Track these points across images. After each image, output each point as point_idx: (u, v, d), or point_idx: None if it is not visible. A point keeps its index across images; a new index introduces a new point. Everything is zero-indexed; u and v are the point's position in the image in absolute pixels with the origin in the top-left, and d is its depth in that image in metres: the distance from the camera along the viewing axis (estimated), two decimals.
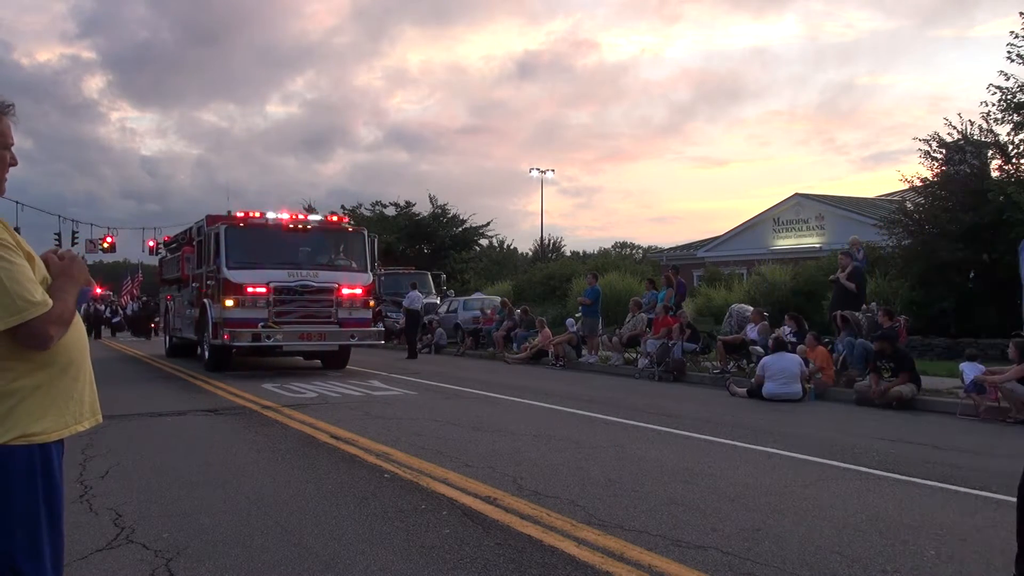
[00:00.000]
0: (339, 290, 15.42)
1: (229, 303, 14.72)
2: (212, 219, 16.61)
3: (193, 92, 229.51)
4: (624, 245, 74.81)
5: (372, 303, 16.58)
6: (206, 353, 16.02)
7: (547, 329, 18.91)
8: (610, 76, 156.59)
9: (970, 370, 10.41)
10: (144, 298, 38.12)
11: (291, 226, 16.02)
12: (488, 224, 47.39)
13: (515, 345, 20.00)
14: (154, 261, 38.76)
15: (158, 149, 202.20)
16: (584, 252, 62.78)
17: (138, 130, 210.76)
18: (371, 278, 16.44)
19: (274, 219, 15.99)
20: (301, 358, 17.54)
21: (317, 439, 8.08)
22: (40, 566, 2.31)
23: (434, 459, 6.96)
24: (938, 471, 6.72)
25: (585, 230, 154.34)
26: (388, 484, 6.08)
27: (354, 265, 16.26)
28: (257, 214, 15.95)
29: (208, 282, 15.92)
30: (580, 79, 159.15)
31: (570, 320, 19.39)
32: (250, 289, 14.78)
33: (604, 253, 57.60)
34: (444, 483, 6.04)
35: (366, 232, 16.94)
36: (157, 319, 31.97)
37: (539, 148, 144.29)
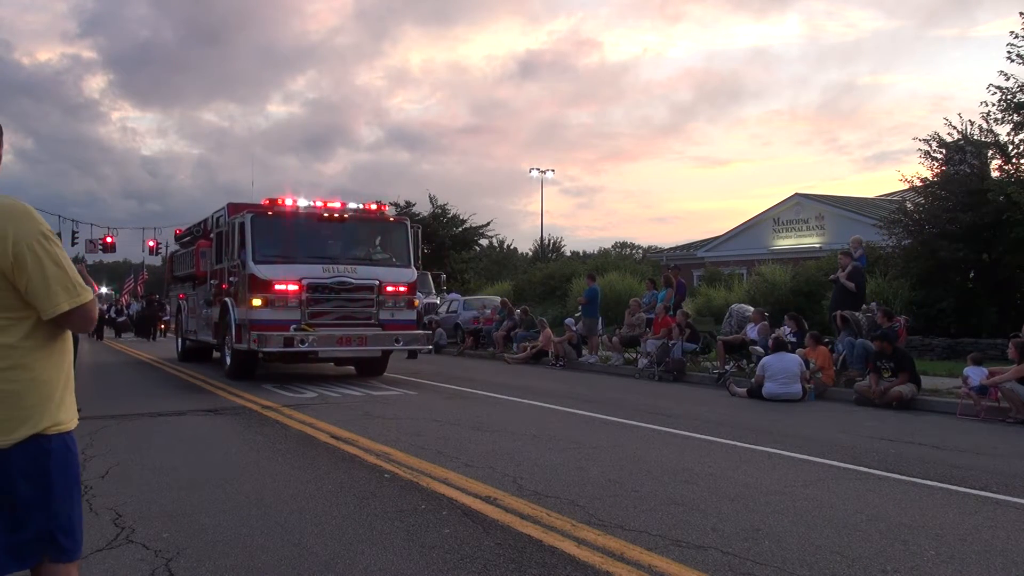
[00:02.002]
0: (382, 288, 13.80)
1: (256, 302, 13.09)
2: (235, 207, 14.87)
3: (194, 92, 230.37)
4: (624, 245, 75.07)
5: (416, 302, 15.15)
6: (227, 358, 14.56)
7: (548, 329, 18.92)
8: (611, 76, 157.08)
9: (975, 374, 10.13)
10: (149, 296, 37.23)
11: (326, 215, 14.17)
12: (488, 224, 47.36)
13: (515, 345, 20.00)
14: (155, 261, 38.10)
15: (159, 149, 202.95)
16: (584, 252, 62.98)
17: (139, 130, 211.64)
18: (415, 274, 14.80)
19: (306, 207, 14.11)
20: (332, 364, 15.70)
21: (317, 439, 8.08)
22: (75, 541, 2.54)
23: (434, 459, 6.96)
24: (938, 471, 6.72)
25: (585, 230, 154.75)
26: (388, 484, 6.08)
27: (395, 260, 14.57)
28: (288, 201, 14.06)
29: (230, 279, 14.28)
30: (581, 79, 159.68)
31: (569, 320, 19.41)
32: (280, 286, 13.14)
33: (604, 253, 57.65)
34: (444, 483, 6.04)
35: (408, 223, 15.17)
36: (164, 319, 31.26)
37: (540, 148, 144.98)
